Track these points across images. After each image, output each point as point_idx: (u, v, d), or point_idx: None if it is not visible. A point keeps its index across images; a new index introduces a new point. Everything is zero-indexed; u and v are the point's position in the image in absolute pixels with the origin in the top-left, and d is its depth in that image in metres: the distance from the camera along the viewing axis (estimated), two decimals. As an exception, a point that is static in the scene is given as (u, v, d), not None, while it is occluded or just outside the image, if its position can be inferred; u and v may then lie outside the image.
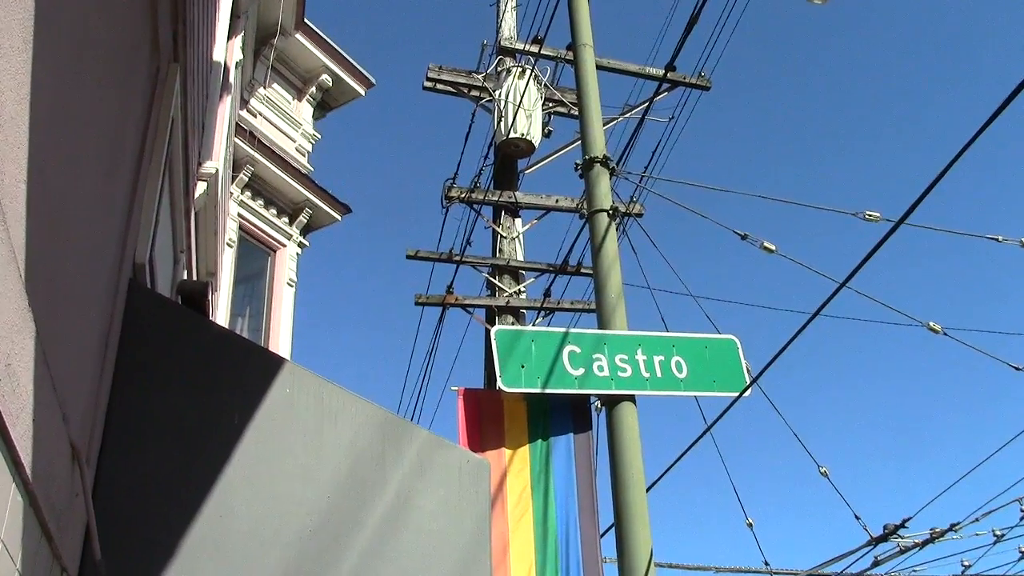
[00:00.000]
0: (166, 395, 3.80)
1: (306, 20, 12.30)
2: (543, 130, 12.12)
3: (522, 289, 11.39)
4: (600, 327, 7.31)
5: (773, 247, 7.62)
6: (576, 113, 10.18)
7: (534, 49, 11.43)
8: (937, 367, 52.26)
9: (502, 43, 12.20)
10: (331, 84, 13.12)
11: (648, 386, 7.05)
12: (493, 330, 7.27)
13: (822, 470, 7.51)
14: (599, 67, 8.94)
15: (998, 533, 8.32)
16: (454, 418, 7.13)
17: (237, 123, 10.42)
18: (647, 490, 6.56)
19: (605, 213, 7.63)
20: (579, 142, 8.55)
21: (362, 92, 13.58)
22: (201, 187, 6.43)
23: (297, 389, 4.15)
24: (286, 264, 11.47)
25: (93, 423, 3.40)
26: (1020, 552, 8.57)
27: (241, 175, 10.92)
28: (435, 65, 12.25)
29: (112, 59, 3.23)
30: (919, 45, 49.00)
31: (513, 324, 10.85)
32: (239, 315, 10.85)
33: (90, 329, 3.21)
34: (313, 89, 12.97)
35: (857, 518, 7.32)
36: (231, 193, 10.53)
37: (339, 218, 12.43)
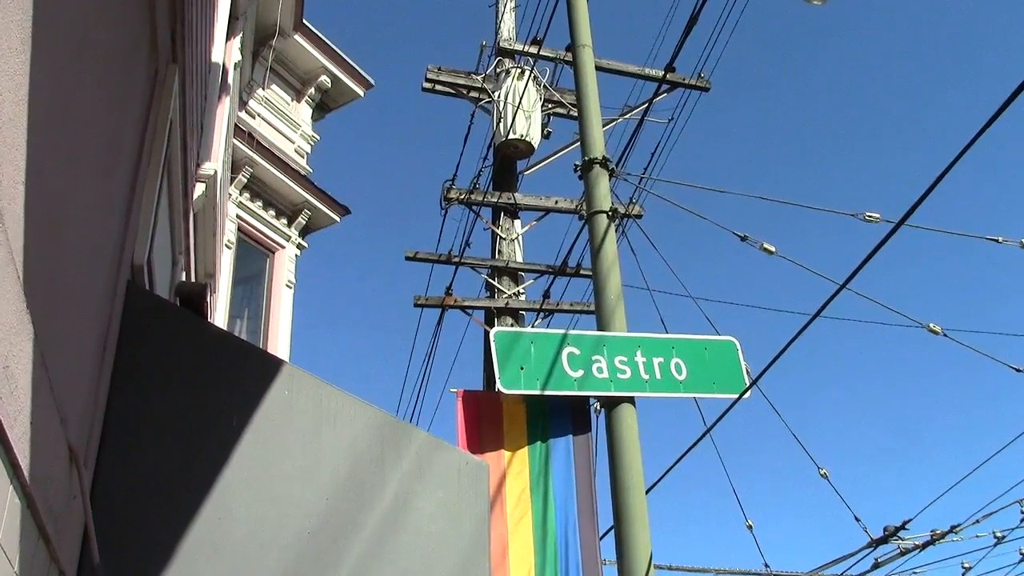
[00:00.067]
0: (164, 397, 3.79)
1: (305, 21, 12.29)
2: (542, 131, 12.11)
3: (521, 290, 11.39)
4: (599, 329, 7.30)
5: (773, 248, 7.61)
6: (575, 114, 10.18)
7: (533, 50, 11.42)
8: (937, 368, 52.32)
9: (501, 44, 12.20)
10: (330, 85, 13.12)
11: (647, 388, 7.04)
12: (492, 332, 7.26)
13: (822, 472, 7.50)
14: (598, 68, 8.94)
15: (999, 535, 8.31)
16: (453, 420, 7.12)
17: (236, 124, 10.41)
18: (647, 492, 6.55)
19: (604, 214, 7.62)
20: (578, 143, 8.53)
21: (361, 93, 13.57)
22: (200, 188, 6.42)
23: (296, 391, 4.14)
24: (285, 265, 11.46)
25: (91, 425, 3.39)
26: (1021, 554, 8.56)
27: (240, 176, 10.91)
28: (434, 66, 12.25)
29: (111, 60, 3.22)
30: (919, 45, 49.05)
31: (512, 326, 10.84)
32: (238, 317, 10.83)
33: (88, 331, 3.20)
34: (312, 90, 12.96)
35: (857, 520, 7.32)
36: (230, 194, 10.52)
37: (338, 219, 12.42)
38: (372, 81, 13.57)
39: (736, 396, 7.13)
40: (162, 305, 4.10)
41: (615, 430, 6.75)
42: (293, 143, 12.48)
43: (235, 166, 10.74)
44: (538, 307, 11.22)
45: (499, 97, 12.00)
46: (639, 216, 10.92)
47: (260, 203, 11.36)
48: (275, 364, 4.19)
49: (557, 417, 7.20)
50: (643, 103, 11.36)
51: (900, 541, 7.52)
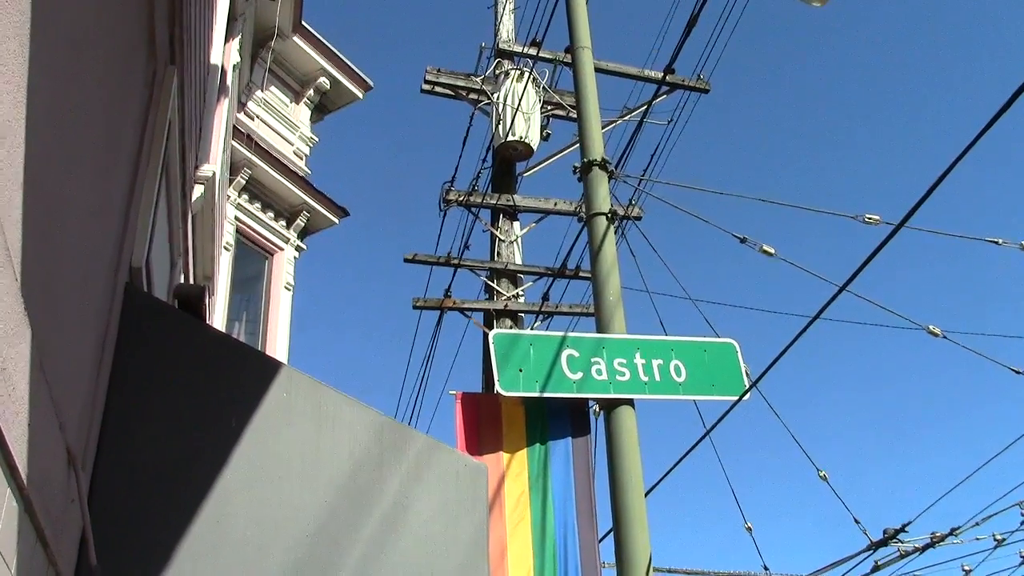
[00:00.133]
0: (163, 399, 3.78)
1: (303, 23, 12.28)
2: (541, 133, 12.10)
3: (520, 292, 11.38)
4: (599, 331, 7.29)
5: (772, 250, 7.60)
6: (575, 116, 10.16)
7: (532, 51, 11.43)
8: (937, 370, 52.32)
9: (500, 45, 12.20)
10: (329, 87, 13.11)
11: (647, 390, 7.03)
12: (491, 334, 7.25)
13: (821, 474, 7.48)
14: (598, 70, 8.94)
15: (999, 538, 8.30)
16: (452, 422, 7.11)
17: (234, 126, 10.40)
18: (646, 494, 6.54)
19: (604, 216, 7.61)
20: (577, 145, 8.54)
21: (360, 95, 13.57)
22: (198, 190, 6.41)
23: (294, 393, 4.13)
24: (283, 267, 11.45)
25: (89, 428, 3.38)
26: (1021, 557, 8.55)
27: (238, 178, 10.90)
28: (433, 68, 12.24)
29: (109, 62, 3.21)
30: (919, 47, 49.08)
31: (511, 328, 10.84)
32: (236, 319, 10.82)
33: (86, 333, 3.19)
34: (311, 92, 12.96)
35: (857, 522, 7.30)
36: (228, 196, 10.51)
37: (337, 221, 12.41)
38: (371, 83, 13.57)
39: (736, 398, 7.12)
40: (160, 307, 4.09)
41: (614, 432, 6.74)
42: (292, 145, 12.47)
43: (234, 168, 10.74)
44: (537, 309, 11.21)
45: (498, 99, 12.00)
46: (638, 218, 10.92)
47: (259, 205, 11.35)
48: (274, 366, 4.18)
49: (556, 419, 7.19)
50: (642, 105, 11.37)
51: (900, 544, 7.50)
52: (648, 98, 10.48)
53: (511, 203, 11.75)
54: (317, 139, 13.08)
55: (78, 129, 2.81)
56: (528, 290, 11.53)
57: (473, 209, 11.53)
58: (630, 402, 6.91)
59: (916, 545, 7.67)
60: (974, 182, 44.68)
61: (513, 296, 11.23)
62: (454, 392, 7.24)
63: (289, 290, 11.37)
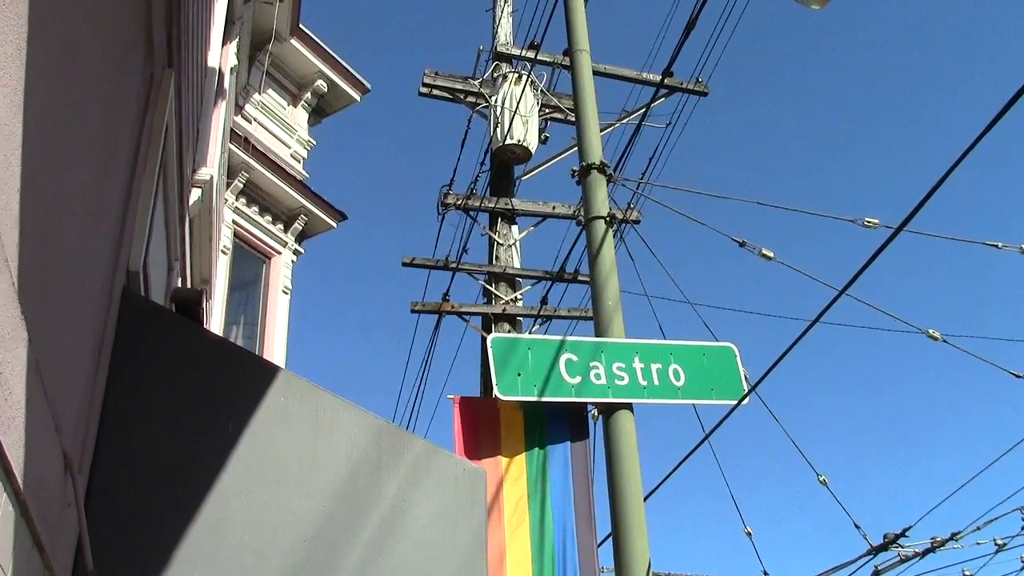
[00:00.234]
0: (160, 403, 3.77)
1: (301, 26, 12.28)
2: (540, 136, 12.09)
3: (518, 296, 11.36)
4: (597, 335, 7.28)
5: (771, 254, 7.60)
6: (573, 119, 10.15)
7: (530, 54, 11.42)
8: (937, 374, 52.38)
9: (498, 48, 12.20)
10: (326, 90, 13.11)
11: (645, 394, 7.02)
12: (489, 338, 7.24)
13: (821, 478, 7.48)
14: (596, 73, 8.93)
15: (1000, 542, 8.29)
16: (450, 426, 7.10)
17: (232, 129, 10.39)
18: (645, 499, 6.53)
19: (602, 220, 7.60)
20: (576, 148, 8.53)
21: (357, 98, 13.57)
22: (195, 194, 6.39)
23: (292, 398, 4.11)
24: (281, 271, 11.43)
25: (86, 432, 3.37)
26: (1022, 561, 8.55)
27: (236, 181, 10.89)
28: (431, 71, 12.23)
29: (106, 65, 3.20)
30: (918, 49, 49.15)
31: (509, 332, 10.82)
32: (233, 323, 10.80)
33: (83, 337, 3.18)
34: (308, 95, 12.95)
35: (857, 527, 7.29)
36: (226, 200, 10.50)
37: (334, 225, 12.40)
38: (368, 85, 13.57)
39: (735, 402, 7.11)
40: (158, 311, 4.07)
41: (613, 437, 6.72)
42: (289, 148, 12.46)
43: (231, 171, 10.72)
44: (535, 313, 11.20)
45: (496, 102, 11.99)
46: (637, 221, 10.90)
47: (256, 208, 11.33)
48: (271, 370, 4.16)
49: (555, 424, 7.18)
50: (641, 108, 11.36)
51: (900, 548, 7.49)
52: (646, 101, 10.47)
53: (509, 206, 11.74)
54: (315, 142, 13.07)
55: (75, 132, 2.79)
56: (526, 294, 11.51)
57: (471, 213, 11.52)
58: (629, 406, 6.89)
59: (916, 550, 7.66)
60: (974, 185, 44.78)
61: (511, 300, 11.22)
62: (452, 396, 7.23)
63: (287, 294, 11.36)
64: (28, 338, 2.31)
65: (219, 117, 7.63)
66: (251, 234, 11.16)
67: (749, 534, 7.80)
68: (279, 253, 11.54)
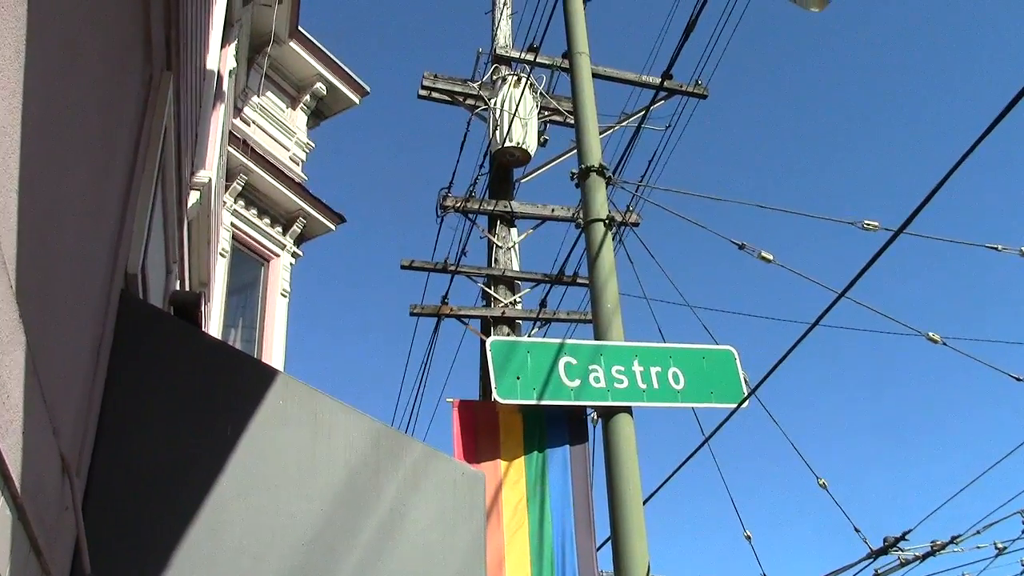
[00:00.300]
0: (158, 406, 3.76)
1: (300, 28, 12.27)
2: (539, 139, 12.09)
3: (518, 299, 11.36)
4: (596, 338, 7.27)
5: (771, 256, 7.60)
6: (572, 122, 10.15)
7: (530, 57, 11.42)
8: (937, 377, 52.37)
9: (497, 51, 12.19)
10: (325, 92, 13.09)
11: (645, 398, 7.01)
12: (488, 341, 7.23)
13: (821, 482, 7.47)
14: (595, 75, 8.93)
15: (1000, 546, 8.28)
16: (449, 429, 7.08)
17: (230, 132, 10.37)
18: (644, 502, 6.52)
19: (601, 223, 7.60)
20: (575, 150, 8.52)
21: (356, 100, 13.56)
22: (194, 196, 6.38)
23: (290, 401, 4.10)
24: (279, 274, 11.42)
25: (84, 435, 3.36)
26: (1022, 565, 8.54)
27: (234, 184, 10.88)
28: (430, 73, 12.23)
29: (105, 67, 3.19)
30: (918, 51, 49.19)
31: (508, 335, 10.82)
32: (232, 326, 10.79)
33: (81, 340, 3.17)
34: (307, 97, 12.94)
35: (857, 530, 7.29)
36: (224, 202, 10.49)
37: (333, 228, 12.38)
38: (367, 88, 13.56)
39: (734, 406, 7.10)
40: (156, 314, 4.06)
41: (612, 440, 6.71)
42: (288, 151, 12.45)
43: (230, 174, 10.71)
44: (535, 316, 11.20)
45: (495, 104, 11.99)
46: (636, 224, 10.90)
47: (255, 211, 11.32)
48: (270, 374, 4.15)
49: (554, 427, 7.17)
50: (640, 110, 11.37)
51: (900, 552, 7.48)
52: (646, 104, 10.46)
53: (508, 209, 11.73)
54: (313, 145, 13.06)
55: (73, 134, 2.78)
56: (525, 297, 11.51)
57: (470, 215, 11.51)
58: (628, 410, 6.89)
59: (916, 553, 7.65)
60: (974, 187, 44.78)
61: (510, 303, 11.21)
62: (451, 400, 7.22)
63: (285, 297, 11.34)
64: (26, 341, 2.30)
65: (218, 119, 7.62)
66: (249, 237, 11.15)
67: (749, 538, 7.79)
68: (277, 256, 11.53)
